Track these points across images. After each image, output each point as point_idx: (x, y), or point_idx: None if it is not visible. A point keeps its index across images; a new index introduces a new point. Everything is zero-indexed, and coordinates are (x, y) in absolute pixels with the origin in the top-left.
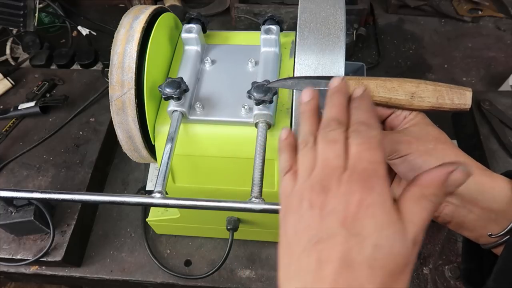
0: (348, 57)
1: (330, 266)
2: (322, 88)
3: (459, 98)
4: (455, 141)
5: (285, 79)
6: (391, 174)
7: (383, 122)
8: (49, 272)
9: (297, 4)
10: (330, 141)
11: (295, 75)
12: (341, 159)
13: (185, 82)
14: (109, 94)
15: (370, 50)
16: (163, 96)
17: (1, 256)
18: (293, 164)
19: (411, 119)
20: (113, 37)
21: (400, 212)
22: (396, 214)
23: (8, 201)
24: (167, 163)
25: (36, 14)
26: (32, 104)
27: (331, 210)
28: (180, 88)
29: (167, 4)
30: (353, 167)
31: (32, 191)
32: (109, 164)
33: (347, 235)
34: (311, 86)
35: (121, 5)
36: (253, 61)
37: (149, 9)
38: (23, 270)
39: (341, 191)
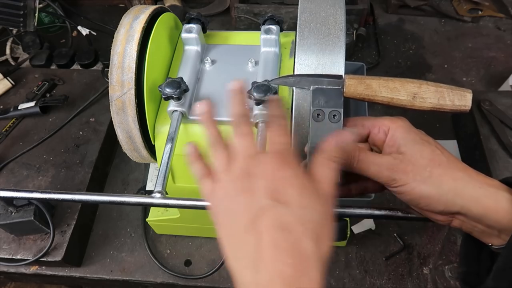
0: (348, 57)
1: (268, 234)
2: (324, 87)
3: (460, 99)
4: (455, 141)
5: (286, 76)
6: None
7: (366, 141)
8: (49, 272)
9: (297, 4)
10: (242, 135)
11: None
12: (254, 147)
13: (185, 82)
14: (109, 94)
15: (370, 50)
16: (163, 96)
17: (1, 256)
18: (206, 169)
19: (393, 134)
20: (113, 37)
21: (312, 176)
22: (308, 180)
23: (8, 201)
24: (167, 163)
25: (36, 14)
26: (32, 104)
27: (258, 188)
28: (180, 88)
29: (167, 4)
30: (268, 150)
31: (32, 191)
32: (109, 164)
33: (276, 205)
34: (314, 84)
35: (121, 5)
36: (253, 61)
37: (149, 9)
38: (23, 270)
39: (263, 171)
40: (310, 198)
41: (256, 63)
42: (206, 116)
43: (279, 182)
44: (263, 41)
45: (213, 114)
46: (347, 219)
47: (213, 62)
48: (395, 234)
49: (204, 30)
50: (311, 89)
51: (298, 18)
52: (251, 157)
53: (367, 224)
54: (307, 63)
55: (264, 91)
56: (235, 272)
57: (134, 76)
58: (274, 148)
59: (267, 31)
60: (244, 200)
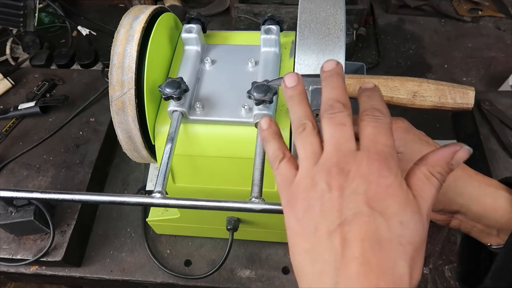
0: (348, 57)
1: (358, 245)
2: None
3: (462, 97)
4: (454, 141)
5: None
6: None
7: None
8: (49, 272)
9: (297, 4)
10: (338, 124)
11: None
12: (353, 142)
13: (185, 82)
14: (109, 94)
15: (370, 50)
16: (163, 96)
17: (1, 256)
18: (285, 151)
19: (393, 135)
20: (113, 37)
21: (412, 191)
22: (411, 194)
23: (8, 201)
24: (167, 163)
25: (36, 14)
26: (32, 104)
27: (353, 190)
28: (180, 88)
29: (167, 4)
30: (368, 148)
31: (32, 191)
32: (109, 164)
33: (373, 214)
34: (313, 84)
35: (121, 5)
36: (253, 61)
37: (149, 9)
38: (23, 270)
39: (361, 172)
40: (413, 216)
41: (256, 63)
42: (299, 90)
43: (380, 189)
44: (263, 41)
45: (306, 92)
46: None
47: (213, 62)
48: None
49: (204, 30)
50: (310, 89)
51: (298, 18)
52: (347, 153)
53: None
54: (307, 63)
55: (264, 91)
56: (306, 275)
57: (134, 76)
58: (376, 149)
59: (267, 31)
60: (335, 197)
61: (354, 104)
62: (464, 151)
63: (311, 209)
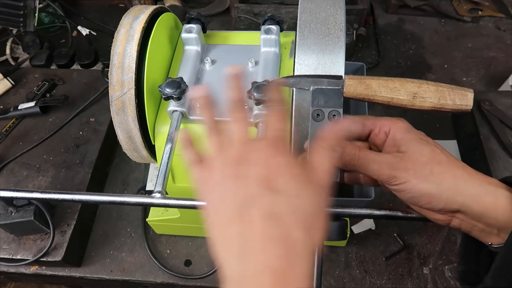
0: (348, 57)
1: (257, 224)
2: (324, 87)
3: (461, 99)
4: (455, 141)
5: (286, 77)
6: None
7: (365, 140)
8: (49, 272)
9: (297, 4)
10: (237, 120)
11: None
12: (248, 133)
13: (185, 82)
14: (109, 94)
15: (370, 50)
16: (163, 96)
17: (1, 256)
18: (198, 156)
19: (394, 135)
20: (113, 37)
21: (309, 164)
22: (302, 169)
23: (8, 201)
24: (167, 163)
25: (36, 14)
26: (32, 104)
27: (250, 176)
28: (180, 88)
29: (167, 4)
30: (265, 136)
31: (32, 191)
32: (109, 164)
33: (267, 193)
34: (313, 84)
35: (121, 5)
36: (253, 61)
37: (149, 9)
38: (23, 270)
39: (257, 158)
40: (303, 187)
41: (256, 63)
42: (203, 101)
43: (272, 170)
44: (263, 41)
45: (210, 100)
46: (347, 219)
47: (213, 62)
48: (395, 234)
49: (204, 30)
50: (311, 89)
51: (298, 18)
52: (245, 143)
53: (367, 224)
54: (307, 63)
55: (264, 91)
56: (221, 262)
57: (134, 76)
58: (270, 134)
59: (267, 31)
60: (234, 187)
61: (354, 104)
62: (345, 121)
63: (216, 201)
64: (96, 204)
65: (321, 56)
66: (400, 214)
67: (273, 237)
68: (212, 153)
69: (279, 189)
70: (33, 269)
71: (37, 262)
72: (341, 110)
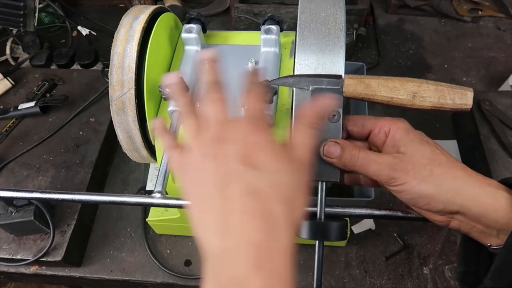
0: (348, 57)
1: (237, 200)
2: (323, 87)
3: (461, 98)
4: (455, 141)
5: (286, 77)
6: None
7: (366, 140)
8: (49, 272)
9: (297, 4)
10: (214, 101)
11: None
12: (226, 113)
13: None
14: (109, 94)
15: (370, 50)
16: (163, 96)
17: (1, 256)
18: (174, 141)
19: (394, 135)
20: (113, 37)
21: (290, 141)
22: (281, 145)
23: (8, 201)
24: (167, 163)
25: (36, 14)
26: (32, 104)
27: (229, 154)
28: None
29: (167, 4)
30: (245, 115)
31: (32, 191)
32: (109, 164)
33: (246, 170)
34: (313, 84)
35: (121, 5)
36: (253, 61)
37: (149, 9)
38: (23, 270)
39: (235, 136)
40: (283, 163)
41: (256, 63)
42: (175, 87)
43: (251, 147)
44: (263, 41)
45: (184, 86)
46: (347, 219)
47: None
48: (395, 234)
49: (204, 30)
50: (310, 89)
51: (298, 18)
52: (223, 123)
53: (367, 224)
54: (307, 63)
55: (264, 91)
56: (202, 240)
57: (134, 76)
58: (248, 114)
59: (267, 31)
60: (213, 166)
61: (354, 104)
62: (324, 98)
63: (196, 181)
64: (96, 204)
65: (321, 56)
66: (400, 214)
67: (253, 212)
68: (189, 136)
69: (259, 166)
70: (33, 269)
71: (37, 262)
72: (341, 110)
